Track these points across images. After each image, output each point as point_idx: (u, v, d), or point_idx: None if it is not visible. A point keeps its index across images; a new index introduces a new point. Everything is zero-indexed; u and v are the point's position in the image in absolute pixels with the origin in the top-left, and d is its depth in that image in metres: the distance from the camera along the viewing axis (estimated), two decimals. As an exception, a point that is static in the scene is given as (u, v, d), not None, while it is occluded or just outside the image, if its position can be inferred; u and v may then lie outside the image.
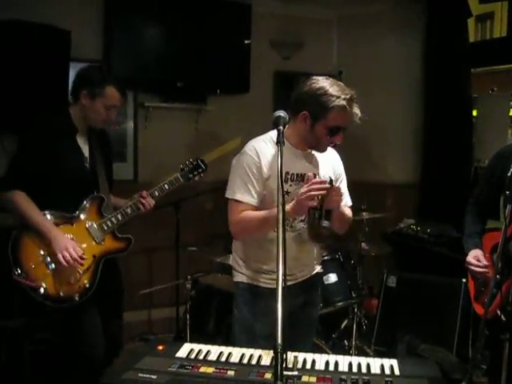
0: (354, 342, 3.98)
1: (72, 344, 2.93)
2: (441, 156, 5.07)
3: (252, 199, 2.45)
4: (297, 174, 2.51)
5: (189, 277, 3.87)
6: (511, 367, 2.31)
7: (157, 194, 3.10)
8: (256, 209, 2.46)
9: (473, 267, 2.75)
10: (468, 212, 3.00)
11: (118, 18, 4.46)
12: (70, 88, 2.97)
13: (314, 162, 2.59)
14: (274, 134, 2.47)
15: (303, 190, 2.28)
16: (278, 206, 1.68)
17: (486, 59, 5.15)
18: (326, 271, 3.63)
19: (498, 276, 2.43)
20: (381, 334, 4.26)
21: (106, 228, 2.93)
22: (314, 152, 2.59)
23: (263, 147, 2.46)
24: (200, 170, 3.30)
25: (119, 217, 2.97)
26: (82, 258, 2.76)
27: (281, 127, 2.04)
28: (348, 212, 2.63)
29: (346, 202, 2.66)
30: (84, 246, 2.85)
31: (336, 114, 2.36)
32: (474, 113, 5.37)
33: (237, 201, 2.46)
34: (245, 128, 4.59)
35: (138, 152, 4.80)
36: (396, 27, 5.19)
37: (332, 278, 3.85)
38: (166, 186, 3.13)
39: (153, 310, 4.91)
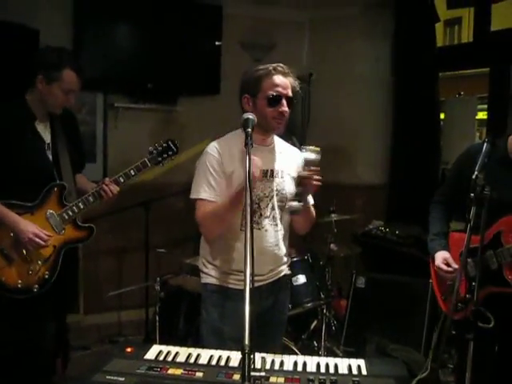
0: (323, 343, 4.00)
1: (24, 337, 2.82)
2: (409, 158, 5.14)
3: (217, 197, 2.45)
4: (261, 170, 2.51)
5: (158, 278, 3.85)
6: (476, 366, 2.34)
7: (122, 180, 2.96)
8: None
9: (443, 272, 2.77)
10: (433, 210, 3.01)
11: (87, 18, 4.43)
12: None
13: (277, 158, 2.60)
14: (236, 132, 2.55)
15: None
16: (245, 207, 1.69)
17: (453, 63, 5.24)
18: (294, 272, 3.63)
19: (473, 283, 2.45)
20: (350, 334, 4.28)
21: (66, 217, 2.85)
22: (276, 148, 2.62)
23: (223, 145, 2.51)
24: (170, 153, 3.07)
25: (81, 205, 2.87)
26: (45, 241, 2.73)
27: (249, 129, 2.06)
28: (312, 211, 2.67)
29: (309, 200, 2.66)
30: None
31: (267, 82, 2.44)
32: (442, 116, 5.46)
33: (202, 200, 2.46)
34: (215, 129, 4.57)
35: (107, 153, 4.77)
36: (366, 31, 5.26)
37: (301, 279, 3.85)
38: (131, 171, 2.98)
39: (122, 312, 4.88)
